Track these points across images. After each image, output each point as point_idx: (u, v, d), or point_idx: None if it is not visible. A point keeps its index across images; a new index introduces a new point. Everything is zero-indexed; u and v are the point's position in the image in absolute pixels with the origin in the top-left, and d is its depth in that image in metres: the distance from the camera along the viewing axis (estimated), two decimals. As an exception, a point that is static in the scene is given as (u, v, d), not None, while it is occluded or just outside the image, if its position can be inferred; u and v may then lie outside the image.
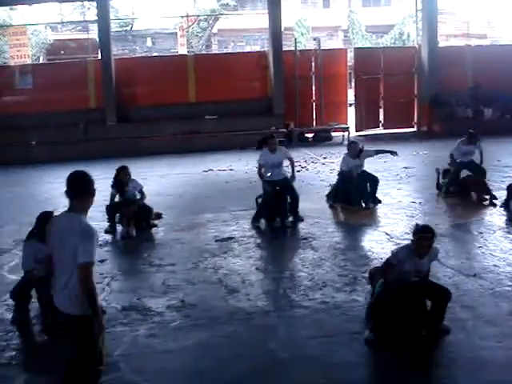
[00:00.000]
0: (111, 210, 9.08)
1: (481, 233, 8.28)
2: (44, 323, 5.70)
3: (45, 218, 6.03)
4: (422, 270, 5.32)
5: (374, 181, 10.20)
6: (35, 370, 5.00)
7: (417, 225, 5.43)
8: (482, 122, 18.68)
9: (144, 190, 9.32)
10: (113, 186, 9.13)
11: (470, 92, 19.70)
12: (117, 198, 9.21)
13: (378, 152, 10.45)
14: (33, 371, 4.98)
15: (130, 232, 8.76)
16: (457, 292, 6.06)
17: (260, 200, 9.40)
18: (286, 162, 9.49)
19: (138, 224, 9.00)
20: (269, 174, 9.28)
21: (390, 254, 5.55)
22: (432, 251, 5.33)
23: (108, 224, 9.03)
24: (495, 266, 6.87)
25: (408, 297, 5.11)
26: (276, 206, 9.18)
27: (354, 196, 9.97)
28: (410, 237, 5.47)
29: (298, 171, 13.15)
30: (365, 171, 10.23)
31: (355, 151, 10.14)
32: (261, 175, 9.37)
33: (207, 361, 4.98)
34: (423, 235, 5.21)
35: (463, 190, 10.42)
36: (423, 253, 5.24)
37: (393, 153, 10.34)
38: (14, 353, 5.23)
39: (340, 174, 10.34)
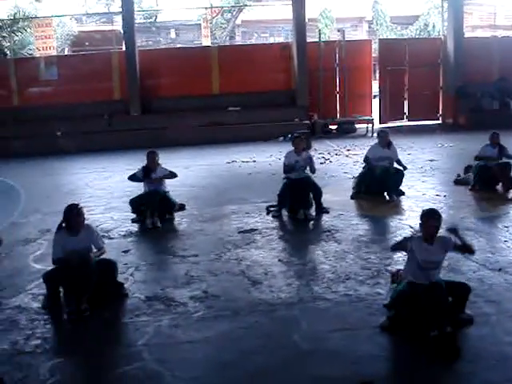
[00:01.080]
0: (135, 202, 9.15)
1: (506, 227, 8.18)
2: (68, 311, 5.75)
3: (70, 210, 6.11)
4: (434, 260, 5.24)
5: (399, 174, 10.14)
6: (60, 358, 5.05)
7: (423, 210, 5.47)
8: (508, 115, 18.45)
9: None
10: (142, 168, 9.20)
11: (497, 84, 19.45)
12: (141, 190, 9.27)
13: (398, 162, 10.34)
14: (57, 359, 5.02)
15: (155, 223, 8.79)
16: (481, 286, 6.01)
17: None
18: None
19: (161, 215, 9.03)
20: (292, 176, 9.27)
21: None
22: (442, 239, 5.31)
23: (135, 215, 9.12)
24: (521, 260, 6.80)
25: (427, 296, 5.06)
26: (299, 199, 9.16)
27: (378, 187, 9.92)
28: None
29: (322, 163, 13.15)
30: (390, 166, 10.13)
31: (385, 140, 10.08)
32: (286, 172, 9.36)
33: (230, 352, 5.00)
34: (429, 215, 5.27)
35: (489, 180, 10.27)
36: (430, 235, 5.24)
37: (404, 169, 10.29)
38: (39, 341, 5.28)
39: (364, 162, 10.28)
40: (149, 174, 9.15)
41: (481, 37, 27.19)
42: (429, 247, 5.22)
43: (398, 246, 5.64)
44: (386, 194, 9.93)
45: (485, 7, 35.20)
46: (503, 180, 10.16)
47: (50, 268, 6.23)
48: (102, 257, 6.22)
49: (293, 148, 9.35)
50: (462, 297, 5.23)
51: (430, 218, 5.26)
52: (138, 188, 9.49)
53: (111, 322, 5.78)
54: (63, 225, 6.14)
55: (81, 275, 5.75)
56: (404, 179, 10.22)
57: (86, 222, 6.23)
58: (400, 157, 10.53)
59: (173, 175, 9.40)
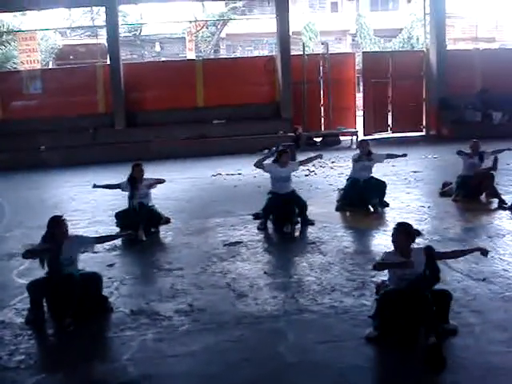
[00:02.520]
0: (120, 216, 9.12)
1: (490, 237, 8.24)
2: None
3: (53, 222, 6.09)
4: (413, 273, 5.22)
5: (382, 185, 10.21)
6: (44, 374, 5.00)
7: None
8: (490, 126, 18.67)
9: (154, 190, 9.38)
10: (128, 180, 9.17)
11: (479, 96, 19.66)
12: (126, 202, 9.23)
13: (388, 156, 10.49)
14: (41, 374, 4.97)
15: (140, 236, 8.76)
16: (466, 296, 6.04)
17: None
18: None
19: (147, 228, 9.01)
20: (276, 189, 9.33)
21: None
22: (418, 250, 5.34)
23: (119, 229, 9.08)
24: (504, 270, 6.84)
25: (412, 303, 5.09)
26: (284, 212, 9.18)
27: (362, 200, 9.97)
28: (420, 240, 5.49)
29: (306, 175, 13.20)
30: (373, 177, 10.24)
31: (366, 149, 10.17)
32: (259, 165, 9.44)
33: (215, 365, 4.98)
34: (396, 231, 5.39)
35: (471, 190, 10.35)
36: (403, 248, 5.30)
37: (403, 155, 10.48)
38: (23, 357, 5.23)
39: (349, 178, 10.37)
40: (135, 186, 9.12)
41: (463, 49, 27.47)
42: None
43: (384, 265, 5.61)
44: (370, 206, 9.97)
45: (467, 20, 35.55)
46: (487, 189, 10.24)
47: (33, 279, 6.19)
48: (85, 271, 6.22)
49: (272, 161, 9.42)
50: (445, 304, 5.24)
51: (398, 232, 5.35)
52: (123, 201, 9.44)
53: (96, 336, 5.74)
54: (45, 235, 6.11)
55: (64, 290, 5.72)
56: (388, 190, 10.29)
57: (69, 233, 6.21)
58: (384, 164, 10.64)
59: (159, 181, 9.40)
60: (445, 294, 5.32)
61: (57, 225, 6.08)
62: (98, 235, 6.50)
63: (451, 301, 5.30)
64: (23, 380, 4.85)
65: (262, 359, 5.05)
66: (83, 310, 5.91)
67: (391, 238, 5.45)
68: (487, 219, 9.39)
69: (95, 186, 9.57)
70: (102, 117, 19.03)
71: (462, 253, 6.06)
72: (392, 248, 5.52)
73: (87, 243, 6.49)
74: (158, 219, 9.26)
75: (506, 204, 9.80)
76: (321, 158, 10.18)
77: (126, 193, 9.23)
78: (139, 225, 8.82)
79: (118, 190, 9.40)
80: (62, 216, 6.23)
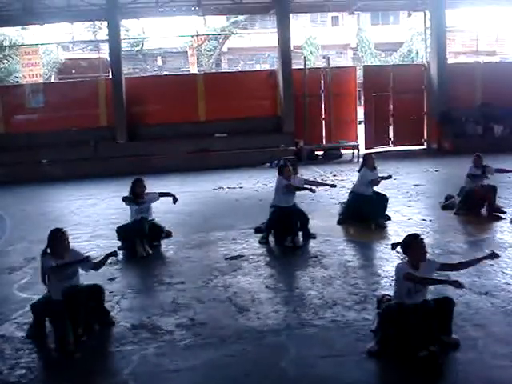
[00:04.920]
0: (122, 231, 9.10)
1: (492, 250, 8.20)
2: (58, 340, 5.69)
3: (54, 234, 6.09)
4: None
5: (384, 199, 10.20)
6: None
7: (407, 236, 5.52)
8: (492, 139, 18.68)
9: (155, 204, 9.37)
10: (129, 197, 9.15)
11: (480, 109, 19.69)
12: (130, 217, 9.21)
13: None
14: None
15: (147, 250, 8.75)
16: (468, 310, 6.02)
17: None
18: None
19: (148, 242, 8.98)
20: (280, 201, 9.32)
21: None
22: (429, 263, 5.35)
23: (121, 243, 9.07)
24: (507, 283, 6.82)
25: (415, 316, 5.08)
26: (286, 226, 9.17)
27: (366, 214, 9.94)
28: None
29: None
30: (375, 191, 10.23)
31: (372, 162, 10.16)
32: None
33: (217, 380, 4.96)
34: (418, 241, 5.33)
35: (474, 204, 10.35)
36: (421, 259, 5.28)
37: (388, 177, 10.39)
38: (23, 371, 5.21)
39: (351, 192, 10.34)
40: (136, 201, 9.10)
41: (464, 63, 27.60)
42: (416, 273, 5.24)
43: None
44: (372, 224, 9.87)
45: (467, 33, 35.71)
46: (487, 202, 10.24)
47: (37, 298, 6.18)
48: (89, 283, 6.21)
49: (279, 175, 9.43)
50: (448, 313, 5.22)
51: (421, 243, 5.31)
52: (125, 215, 9.45)
53: (97, 350, 5.71)
54: (48, 250, 6.10)
55: (70, 309, 5.72)
56: (389, 204, 10.29)
57: (70, 246, 6.20)
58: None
59: (165, 194, 9.40)
60: (448, 301, 5.28)
61: (57, 238, 6.06)
62: (95, 261, 6.44)
63: (454, 308, 5.26)
64: (24, 395, 4.84)
65: (264, 374, 5.02)
66: (86, 324, 5.90)
67: (411, 249, 5.37)
68: (489, 233, 9.37)
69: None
70: (103, 130, 19.09)
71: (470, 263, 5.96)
72: (398, 260, 5.51)
73: (86, 267, 6.38)
74: (159, 233, 9.25)
75: (505, 213, 9.92)
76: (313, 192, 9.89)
77: (128, 206, 9.23)
78: (143, 239, 8.80)
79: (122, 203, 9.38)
80: (62, 229, 6.21)
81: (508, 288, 6.67)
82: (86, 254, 6.26)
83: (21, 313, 6.45)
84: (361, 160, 11.07)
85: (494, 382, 4.72)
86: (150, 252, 8.80)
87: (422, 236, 5.46)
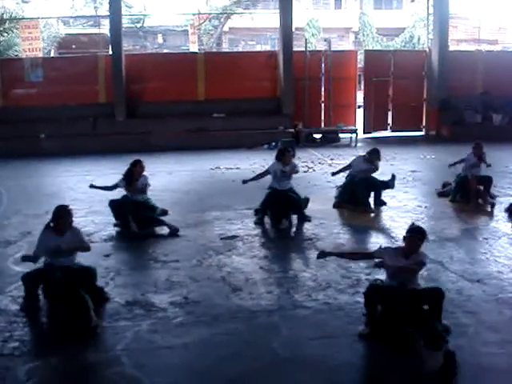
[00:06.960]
0: (115, 206, 9.08)
1: (486, 238, 8.26)
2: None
3: (60, 211, 6.13)
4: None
5: (380, 185, 10.23)
6: (37, 361, 5.01)
7: (413, 224, 5.61)
8: (490, 128, 18.67)
9: (150, 187, 9.28)
10: (124, 177, 9.11)
11: (480, 98, 19.66)
12: (121, 193, 9.18)
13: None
14: (35, 362, 4.99)
15: (133, 228, 8.72)
16: (460, 297, 6.07)
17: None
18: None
19: (144, 221, 8.95)
20: (275, 184, 9.37)
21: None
22: (420, 255, 5.37)
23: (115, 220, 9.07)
24: (499, 272, 6.87)
25: (400, 296, 5.14)
26: (281, 208, 9.21)
27: (360, 197, 9.98)
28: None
29: (305, 172, 13.21)
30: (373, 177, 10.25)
31: (378, 155, 10.20)
32: (258, 177, 9.63)
33: (209, 358, 5.00)
34: (415, 235, 5.33)
35: (468, 191, 10.35)
36: (411, 252, 5.31)
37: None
38: (17, 344, 5.25)
39: (348, 176, 10.37)
40: (131, 182, 9.04)
41: (465, 50, 27.45)
42: (404, 261, 5.28)
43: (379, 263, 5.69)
44: (367, 203, 9.96)
45: (470, 21, 35.58)
46: (481, 192, 10.25)
47: (28, 270, 6.20)
48: (80, 264, 6.23)
49: (275, 159, 9.44)
50: (437, 303, 5.23)
51: (416, 238, 5.32)
52: (121, 192, 9.42)
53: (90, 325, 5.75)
54: (51, 224, 6.13)
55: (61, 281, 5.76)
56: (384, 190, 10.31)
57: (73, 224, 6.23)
58: (382, 163, 10.67)
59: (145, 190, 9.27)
60: (437, 292, 5.30)
61: (63, 214, 6.10)
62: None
63: (443, 299, 5.26)
64: (16, 367, 4.87)
65: (255, 354, 5.07)
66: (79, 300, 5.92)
67: (406, 236, 5.39)
68: (483, 221, 9.41)
69: (92, 187, 9.49)
70: (102, 107, 18.95)
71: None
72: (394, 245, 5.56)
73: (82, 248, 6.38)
74: (153, 210, 9.17)
75: (494, 198, 10.10)
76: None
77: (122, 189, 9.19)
78: (130, 216, 8.77)
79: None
80: (68, 206, 6.26)
81: (500, 276, 6.72)
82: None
83: (15, 286, 6.47)
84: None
85: (484, 369, 4.77)
86: (137, 230, 8.70)
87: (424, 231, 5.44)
